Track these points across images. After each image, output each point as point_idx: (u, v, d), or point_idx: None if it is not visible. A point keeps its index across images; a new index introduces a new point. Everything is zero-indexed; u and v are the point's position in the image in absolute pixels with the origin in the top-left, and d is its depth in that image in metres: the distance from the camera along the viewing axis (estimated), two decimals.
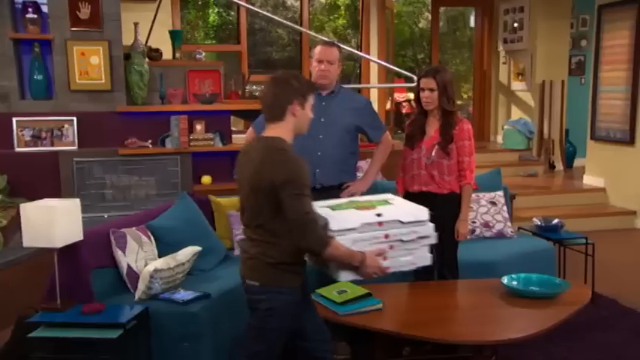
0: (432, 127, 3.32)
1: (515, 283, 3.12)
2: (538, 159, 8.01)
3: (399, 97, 10.13)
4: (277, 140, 2.32)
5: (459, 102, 11.40)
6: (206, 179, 4.84)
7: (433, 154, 3.27)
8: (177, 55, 5.19)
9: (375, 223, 2.46)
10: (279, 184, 2.21)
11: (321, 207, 2.58)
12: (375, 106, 8.17)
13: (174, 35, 5.24)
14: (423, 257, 2.58)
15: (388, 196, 2.80)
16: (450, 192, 3.32)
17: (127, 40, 4.74)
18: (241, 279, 2.42)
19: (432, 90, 3.24)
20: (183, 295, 3.03)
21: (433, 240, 2.61)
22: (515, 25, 8.29)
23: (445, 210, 3.30)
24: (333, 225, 2.43)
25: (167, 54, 5.24)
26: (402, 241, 2.51)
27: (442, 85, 3.23)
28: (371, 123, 3.45)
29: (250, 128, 3.57)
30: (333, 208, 2.55)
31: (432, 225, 2.62)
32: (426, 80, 3.26)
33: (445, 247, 3.29)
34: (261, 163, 2.27)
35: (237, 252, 3.84)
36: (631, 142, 6.44)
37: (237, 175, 2.45)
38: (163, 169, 4.75)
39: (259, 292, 2.33)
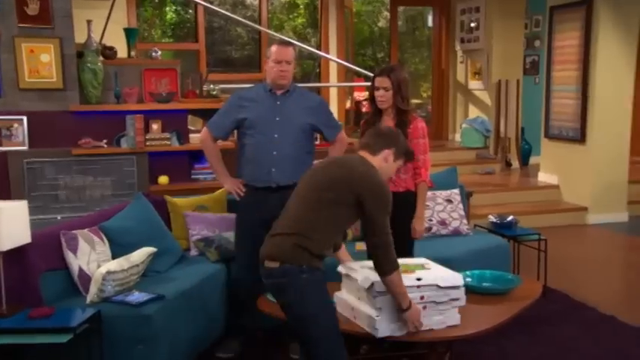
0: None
1: (469, 279, 3.16)
2: (495, 157, 8.17)
3: (358, 96, 10.18)
4: (370, 162, 2.58)
5: (418, 101, 11.53)
6: (163, 179, 4.77)
7: None
8: (133, 53, 5.10)
9: (414, 287, 2.63)
10: (368, 198, 2.42)
11: (362, 267, 2.72)
12: (335, 105, 8.29)
13: (129, 33, 5.14)
14: (452, 317, 2.74)
15: (422, 260, 2.98)
16: (405, 190, 3.34)
17: (80, 38, 4.63)
18: (260, 262, 2.48)
19: (386, 89, 3.25)
20: (137, 297, 2.98)
21: (462, 303, 2.78)
22: (472, 25, 8.42)
23: (401, 208, 3.31)
24: (377, 286, 2.57)
25: (123, 52, 5.15)
26: (435, 302, 2.68)
27: (397, 84, 3.24)
28: (326, 122, 3.46)
29: (204, 128, 3.53)
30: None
31: (463, 289, 2.78)
32: (380, 79, 3.27)
33: (401, 245, 3.32)
34: (351, 171, 2.48)
35: (193, 252, 3.81)
36: (582, 140, 6.62)
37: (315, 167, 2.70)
38: (119, 169, 4.66)
39: (280, 275, 2.39)
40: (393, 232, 3.33)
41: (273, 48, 3.32)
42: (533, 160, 8.35)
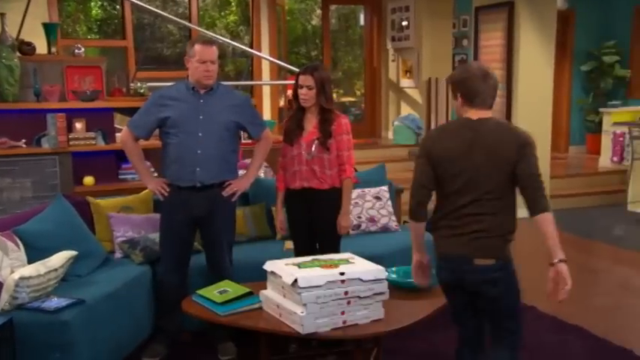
0: (310, 123, 3.34)
1: (394, 275, 3.21)
2: None
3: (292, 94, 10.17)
4: (501, 121, 2.61)
5: (352, 98, 11.62)
6: (88, 180, 4.62)
7: (313, 149, 3.30)
8: (54, 49, 4.91)
9: (337, 281, 2.64)
10: (521, 145, 2.46)
11: (287, 264, 2.74)
12: (268, 103, 8.23)
13: (48, 28, 4.95)
14: (377, 311, 2.78)
15: (347, 255, 2.99)
16: (331, 187, 3.35)
17: None
18: (462, 259, 2.51)
19: (309, 87, 3.26)
20: (55, 302, 2.86)
21: (386, 297, 2.80)
22: (404, 23, 8.56)
23: (327, 205, 3.35)
24: (301, 282, 2.57)
25: (44, 48, 4.94)
26: (359, 297, 2.70)
27: (320, 82, 3.26)
28: (251, 120, 3.43)
29: (125, 128, 3.43)
30: (299, 265, 2.74)
31: (386, 283, 2.80)
32: (304, 77, 3.28)
33: (328, 242, 3.35)
34: (499, 141, 2.46)
35: (118, 255, 3.70)
36: None
37: (447, 150, 2.53)
38: (41, 170, 4.47)
39: (496, 269, 2.51)
40: (319, 230, 3.37)
41: (197, 47, 3.24)
42: None
